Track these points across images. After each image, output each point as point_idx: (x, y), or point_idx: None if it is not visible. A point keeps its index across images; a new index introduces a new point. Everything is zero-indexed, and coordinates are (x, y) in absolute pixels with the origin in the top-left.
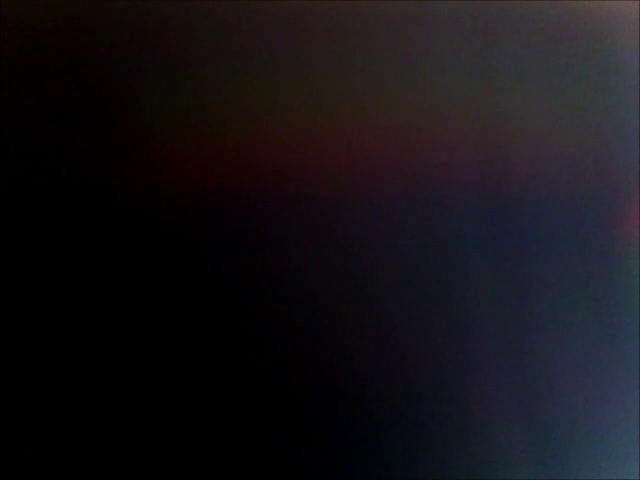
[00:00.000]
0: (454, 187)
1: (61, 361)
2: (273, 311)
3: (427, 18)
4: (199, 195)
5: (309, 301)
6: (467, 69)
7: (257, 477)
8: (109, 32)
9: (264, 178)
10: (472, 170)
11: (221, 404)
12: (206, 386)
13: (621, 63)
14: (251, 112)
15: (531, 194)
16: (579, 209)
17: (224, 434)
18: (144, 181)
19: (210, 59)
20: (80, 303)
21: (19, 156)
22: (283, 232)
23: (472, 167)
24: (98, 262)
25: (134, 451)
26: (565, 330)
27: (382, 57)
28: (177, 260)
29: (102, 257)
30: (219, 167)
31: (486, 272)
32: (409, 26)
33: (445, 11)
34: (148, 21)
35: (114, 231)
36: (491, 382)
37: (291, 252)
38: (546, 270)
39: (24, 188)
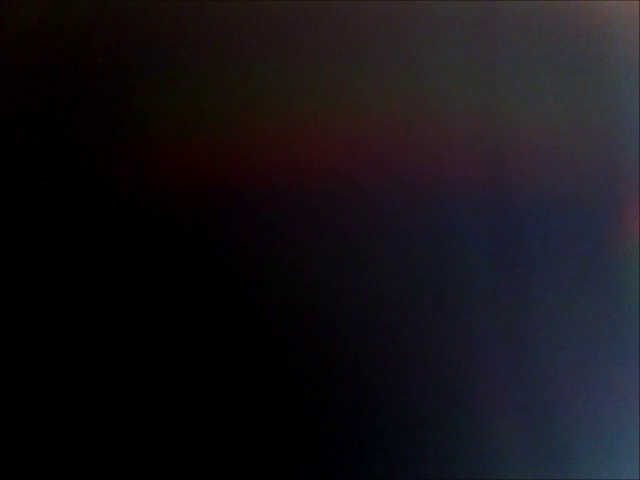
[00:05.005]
0: (454, 188)
1: (61, 361)
2: (273, 311)
3: (427, 18)
4: (199, 195)
5: (310, 301)
6: (466, 69)
7: (257, 477)
8: (109, 32)
9: (264, 178)
10: (472, 170)
11: (222, 403)
12: (207, 386)
13: (621, 63)
14: (251, 112)
15: (531, 194)
16: (579, 209)
17: (224, 432)
18: (144, 181)
19: (210, 58)
20: (81, 304)
21: (19, 156)
22: (284, 232)
23: (472, 167)
24: (98, 262)
25: (134, 451)
26: (565, 330)
27: (382, 57)
28: (177, 260)
29: (102, 257)
30: (219, 167)
31: (486, 272)
32: (409, 26)
33: (445, 11)
34: (148, 21)
35: (114, 231)
36: (491, 382)
37: (292, 252)
38: (546, 270)
39: (24, 188)
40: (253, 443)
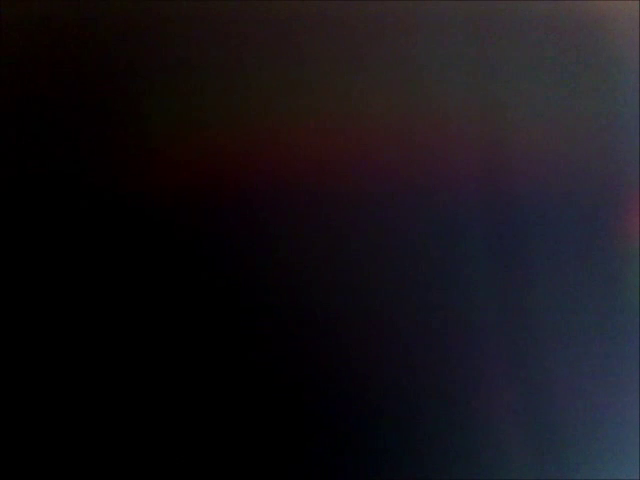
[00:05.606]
0: (454, 187)
1: (61, 361)
2: (273, 310)
3: (427, 18)
4: (199, 195)
5: (309, 301)
6: (467, 69)
7: (257, 477)
8: (109, 32)
9: (265, 178)
10: (472, 170)
11: (222, 403)
12: (207, 386)
13: (621, 63)
14: (251, 112)
15: (531, 195)
16: (579, 209)
17: (224, 433)
18: (144, 181)
19: (211, 59)
20: (81, 303)
21: (20, 157)
22: (284, 232)
23: (472, 167)
24: (99, 262)
25: (134, 451)
26: (565, 330)
27: (383, 57)
28: (177, 259)
29: (102, 257)
30: (219, 167)
31: (487, 272)
32: (409, 26)
33: (445, 11)
34: (148, 21)
35: (114, 231)
36: (492, 382)
37: (292, 252)
38: (547, 270)
39: (25, 188)
40: (252, 444)
